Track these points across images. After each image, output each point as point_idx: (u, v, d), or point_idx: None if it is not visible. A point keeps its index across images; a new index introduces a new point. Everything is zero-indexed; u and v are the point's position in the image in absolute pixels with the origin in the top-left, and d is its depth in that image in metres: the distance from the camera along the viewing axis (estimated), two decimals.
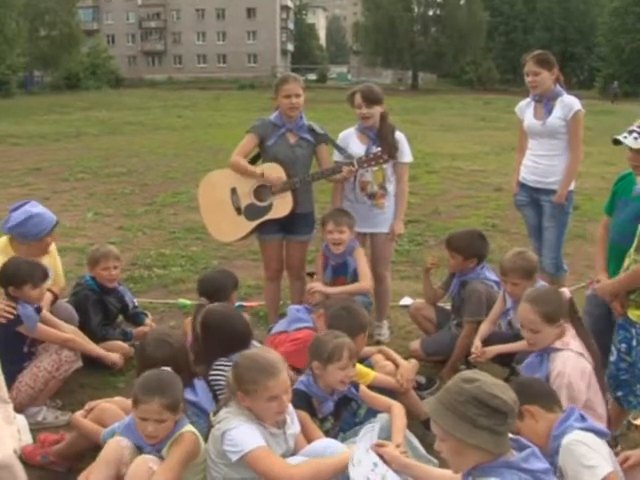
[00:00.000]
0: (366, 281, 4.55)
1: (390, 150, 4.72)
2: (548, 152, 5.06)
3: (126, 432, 2.84)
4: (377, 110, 4.72)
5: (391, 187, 4.87)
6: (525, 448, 2.28)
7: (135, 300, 5.10)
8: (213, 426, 2.83)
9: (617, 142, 3.38)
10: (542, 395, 2.73)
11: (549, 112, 4.99)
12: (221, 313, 3.55)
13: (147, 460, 2.72)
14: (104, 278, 4.60)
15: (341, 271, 4.66)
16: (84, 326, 4.43)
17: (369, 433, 2.99)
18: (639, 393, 3.33)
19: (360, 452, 2.81)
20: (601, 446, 2.58)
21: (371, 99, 4.69)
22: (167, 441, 2.80)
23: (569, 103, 4.98)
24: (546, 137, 5.05)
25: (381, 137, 4.76)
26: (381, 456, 2.82)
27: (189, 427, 2.87)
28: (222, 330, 3.46)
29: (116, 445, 2.79)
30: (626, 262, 3.30)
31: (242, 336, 3.48)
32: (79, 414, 3.28)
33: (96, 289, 4.61)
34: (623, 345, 3.32)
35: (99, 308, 4.58)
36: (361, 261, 4.63)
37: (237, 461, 2.69)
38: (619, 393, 3.38)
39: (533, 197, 5.19)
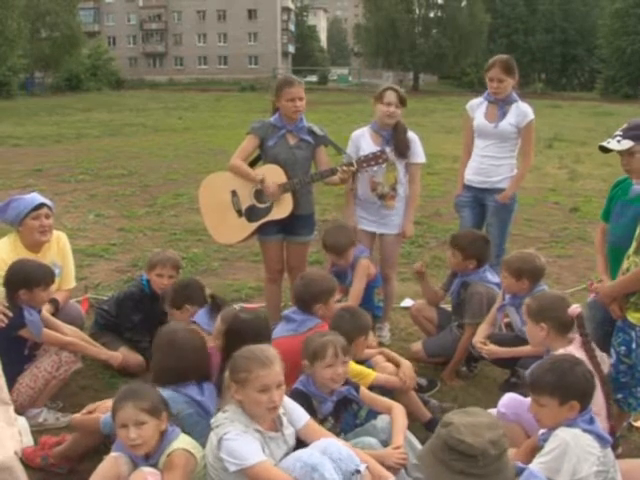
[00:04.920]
0: (353, 301, 4.46)
1: (403, 149, 4.77)
2: (495, 154, 5.09)
3: (120, 447, 2.80)
4: (401, 111, 4.78)
5: (402, 189, 4.87)
6: (522, 471, 2.33)
7: None
8: (212, 428, 2.83)
9: (604, 150, 3.42)
10: (558, 389, 2.73)
11: (503, 116, 5.04)
12: (250, 321, 3.48)
13: (145, 472, 2.69)
14: (155, 284, 4.48)
15: (341, 279, 4.67)
16: (121, 322, 4.45)
17: None
18: (639, 395, 3.34)
19: None
20: (591, 454, 2.63)
21: (403, 100, 4.77)
22: (160, 455, 2.76)
23: (524, 111, 5.03)
24: (495, 139, 5.08)
25: (395, 136, 4.79)
26: None
27: (181, 440, 2.83)
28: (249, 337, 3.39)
29: (114, 461, 2.76)
30: (625, 264, 3.30)
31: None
32: (77, 415, 3.28)
33: (146, 291, 4.51)
34: (622, 347, 3.33)
35: (141, 310, 4.46)
36: (357, 279, 4.57)
37: (235, 471, 2.68)
38: (619, 395, 3.38)
39: (477, 197, 5.21)
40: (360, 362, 3.66)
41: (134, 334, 4.43)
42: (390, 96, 4.73)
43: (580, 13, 63.39)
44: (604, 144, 3.39)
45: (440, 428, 2.29)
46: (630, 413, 3.55)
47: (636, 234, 3.27)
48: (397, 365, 3.71)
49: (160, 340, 3.29)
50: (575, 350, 3.16)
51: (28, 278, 3.74)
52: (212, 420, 2.85)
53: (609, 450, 2.75)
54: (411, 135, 4.87)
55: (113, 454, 2.80)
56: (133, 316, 4.47)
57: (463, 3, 59.08)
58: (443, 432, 2.24)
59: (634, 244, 3.26)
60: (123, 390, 2.85)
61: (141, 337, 4.38)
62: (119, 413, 2.74)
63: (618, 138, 3.37)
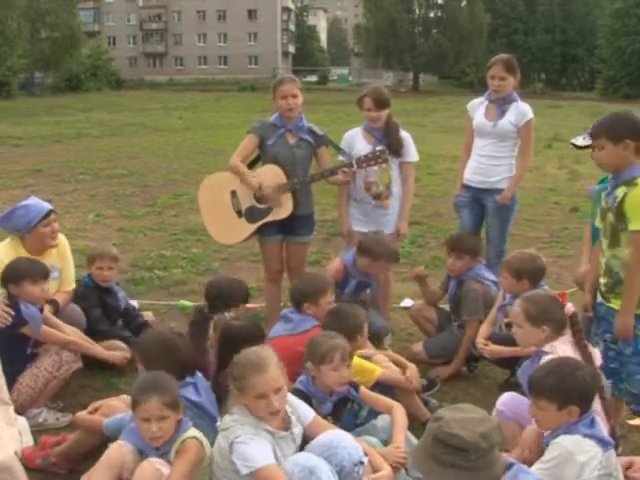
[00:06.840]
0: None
1: (397, 147, 4.77)
2: (494, 153, 5.08)
3: (128, 436, 2.82)
4: (385, 112, 4.77)
5: (396, 188, 4.87)
6: (510, 467, 2.31)
7: (135, 302, 5.16)
8: (219, 431, 2.83)
9: (576, 147, 3.78)
10: (557, 393, 2.71)
11: (502, 114, 5.03)
12: (238, 328, 3.55)
13: (154, 462, 2.71)
14: (97, 277, 4.64)
15: (363, 288, 4.75)
16: (89, 324, 4.46)
17: None
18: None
19: None
20: (593, 459, 2.61)
21: (381, 103, 4.75)
22: (172, 444, 2.78)
23: (523, 110, 5.03)
24: (494, 139, 5.08)
25: (387, 135, 4.80)
26: None
27: (192, 431, 2.86)
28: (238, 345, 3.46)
29: (118, 449, 2.78)
30: (602, 260, 3.39)
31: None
32: (81, 413, 3.29)
33: (91, 286, 4.64)
34: (608, 335, 3.39)
35: (97, 304, 4.59)
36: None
37: (247, 474, 2.68)
38: (609, 382, 3.41)
39: (476, 197, 5.21)
40: (364, 358, 3.66)
41: (104, 327, 4.54)
42: (367, 103, 4.75)
43: (580, 13, 63.42)
44: (572, 141, 3.74)
45: (431, 423, 2.30)
46: (621, 398, 3.53)
47: (606, 230, 3.33)
48: (403, 368, 3.72)
49: (147, 346, 3.24)
50: (560, 344, 3.18)
51: (15, 272, 3.76)
52: (218, 423, 2.86)
53: (611, 452, 2.73)
54: (404, 134, 4.88)
55: (119, 442, 2.82)
56: (94, 312, 4.54)
57: (463, 3, 59.09)
58: (434, 427, 2.25)
59: (605, 240, 3.35)
60: (145, 380, 2.84)
61: (113, 328, 4.59)
62: (143, 406, 2.74)
63: (584, 135, 3.67)
